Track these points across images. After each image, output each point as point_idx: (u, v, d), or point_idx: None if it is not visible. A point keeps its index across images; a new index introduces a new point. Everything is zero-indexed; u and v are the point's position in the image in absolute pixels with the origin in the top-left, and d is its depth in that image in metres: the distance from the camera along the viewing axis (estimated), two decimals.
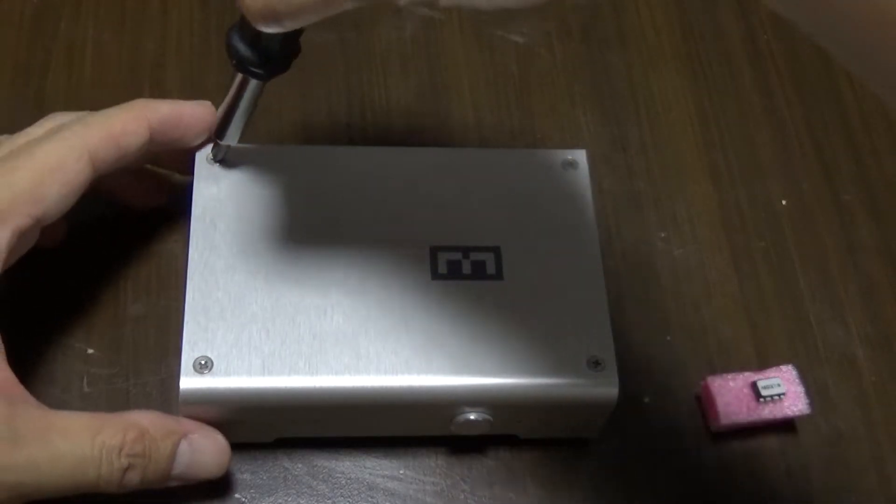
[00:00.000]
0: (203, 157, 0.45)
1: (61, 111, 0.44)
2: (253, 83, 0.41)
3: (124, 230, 0.47)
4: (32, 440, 0.36)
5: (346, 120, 0.53)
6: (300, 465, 0.44)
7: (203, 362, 0.40)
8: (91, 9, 0.55)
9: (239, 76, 0.41)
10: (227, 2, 0.55)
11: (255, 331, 0.41)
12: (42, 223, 0.40)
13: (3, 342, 0.39)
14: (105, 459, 0.37)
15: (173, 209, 0.47)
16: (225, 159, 0.45)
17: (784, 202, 0.53)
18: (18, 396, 0.38)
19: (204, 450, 0.40)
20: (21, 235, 0.39)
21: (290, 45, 0.39)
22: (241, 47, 0.39)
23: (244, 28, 0.39)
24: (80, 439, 0.37)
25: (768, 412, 0.46)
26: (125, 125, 0.42)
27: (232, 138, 0.43)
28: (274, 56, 0.39)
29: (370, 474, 0.44)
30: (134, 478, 0.38)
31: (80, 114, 0.43)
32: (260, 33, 0.37)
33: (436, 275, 0.43)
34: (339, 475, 0.44)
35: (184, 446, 0.40)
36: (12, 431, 0.36)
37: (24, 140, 0.41)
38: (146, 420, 0.39)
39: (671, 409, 0.47)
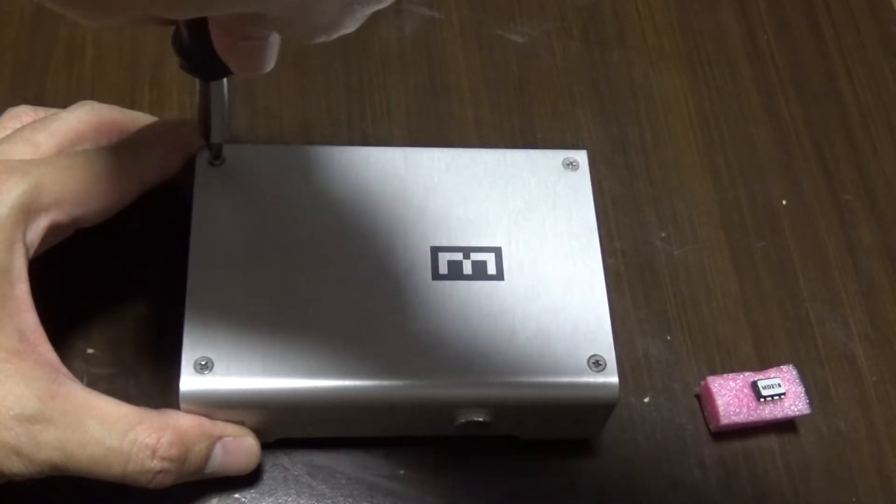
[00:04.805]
0: (203, 157, 0.45)
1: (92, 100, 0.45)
2: (213, 83, 0.40)
3: (124, 230, 0.47)
4: (65, 421, 0.37)
5: (346, 120, 0.53)
6: (300, 465, 0.44)
7: (203, 362, 0.40)
8: None
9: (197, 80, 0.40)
10: None
11: (256, 331, 0.41)
12: (77, 225, 0.41)
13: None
14: (134, 456, 0.38)
15: (174, 209, 0.47)
16: (225, 159, 0.45)
17: (784, 202, 0.54)
18: (64, 377, 0.38)
19: (236, 451, 0.41)
20: (56, 229, 0.40)
21: (203, 44, 0.37)
22: (181, 53, 0.38)
23: (176, 34, 0.38)
24: (113, 429, 0.38)
25: (768, 412, 0.46)
26: (175, 161, 0.44)
27: (218, 137, 0.43)
28: (202, 57, 0.38)
29: (370, 474, 0.44)
30: (167, 480, 0.39)
31: (118, 109, 0.45)
32: (188, 37, 0.37)
33: (436, 275, 0.43)
34: (339, 475, 0.44)
35: (217, 449, 0.41)
36: (47, 411, 0.37)
37: (58, 123, 0.42)
38: (186, 423, 0.40)
39: (671, 409, 0.47)
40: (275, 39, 0.34)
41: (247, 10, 0.31)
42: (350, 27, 0.33)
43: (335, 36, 0.33)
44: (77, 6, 0.30)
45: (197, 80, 0.40)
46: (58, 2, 0.30)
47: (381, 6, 0.32)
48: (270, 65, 0.35)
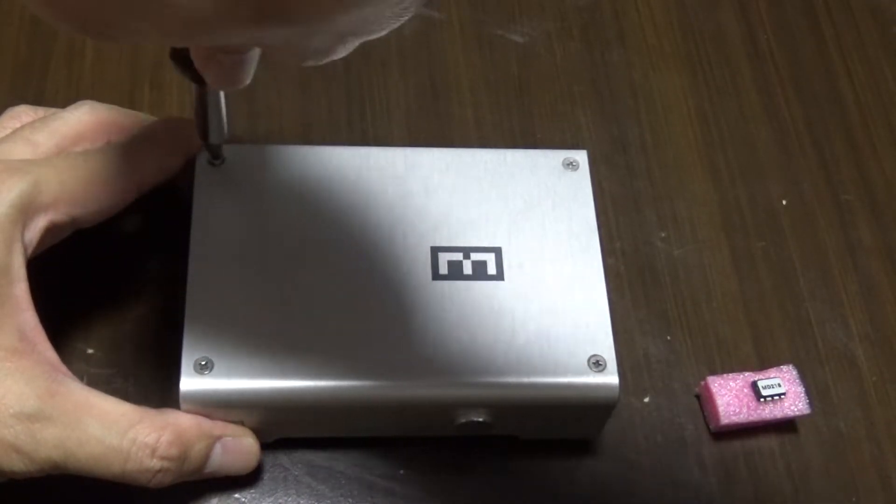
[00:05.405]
0: (203, 157, 0.45)
1: (93, 100, 0.45)
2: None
3: (124, 230, 0.47)
4: (65, 420, 0.37)
5: (346, 120, 0.53)
6: (300, 465, 0.44)
7: (203, 363, 0.40)
8: None
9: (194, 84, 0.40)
10: None
11: (256, 331, 0.41)
12: (76, 225, 0.41)
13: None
14: (134, 455, 0.38)
15: (174, 209, 0.47)
16: (225, 159, 0.45)
17: (784, 202, 0.54)
18: (63, 375, 0.38)
19: (235, 451, 0.41)
20: (54, 229, 0.40)
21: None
22: (175, 58, 0.38)
23: None
24: (113, 428, 0.38)
25: (768, 412, 0.46)
26: (175, 161, 0.44)
27: (216, 138, 0.43)
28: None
29: (370, 474, 0.44)
30: (166, 479, 0.39)
31: (117, 109, 0.45)
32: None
33: (436, 275, 0.43)
34: (339, 475, 0.44)
35: (217, 449, 0.41)
36: (47, 409, 0.37)
37: (57, 123, 0.42)
38: (186, 422, 0.40)
39: (671, 409, 0.47)
40: (253, 55, 0.34)
41: (241, 42, 0.30)
42: (340, 55, 0.32)
43: (324, 62, 0.32)
44: (80, 29, 0.30)
45: (193, 84, 0.40)
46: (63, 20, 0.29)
47: (374, 37, 0.32)
48: (247, 79, 0.34)
